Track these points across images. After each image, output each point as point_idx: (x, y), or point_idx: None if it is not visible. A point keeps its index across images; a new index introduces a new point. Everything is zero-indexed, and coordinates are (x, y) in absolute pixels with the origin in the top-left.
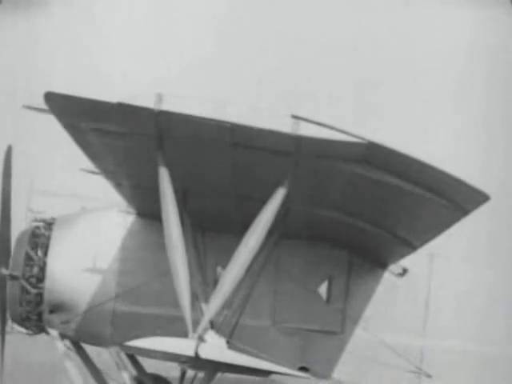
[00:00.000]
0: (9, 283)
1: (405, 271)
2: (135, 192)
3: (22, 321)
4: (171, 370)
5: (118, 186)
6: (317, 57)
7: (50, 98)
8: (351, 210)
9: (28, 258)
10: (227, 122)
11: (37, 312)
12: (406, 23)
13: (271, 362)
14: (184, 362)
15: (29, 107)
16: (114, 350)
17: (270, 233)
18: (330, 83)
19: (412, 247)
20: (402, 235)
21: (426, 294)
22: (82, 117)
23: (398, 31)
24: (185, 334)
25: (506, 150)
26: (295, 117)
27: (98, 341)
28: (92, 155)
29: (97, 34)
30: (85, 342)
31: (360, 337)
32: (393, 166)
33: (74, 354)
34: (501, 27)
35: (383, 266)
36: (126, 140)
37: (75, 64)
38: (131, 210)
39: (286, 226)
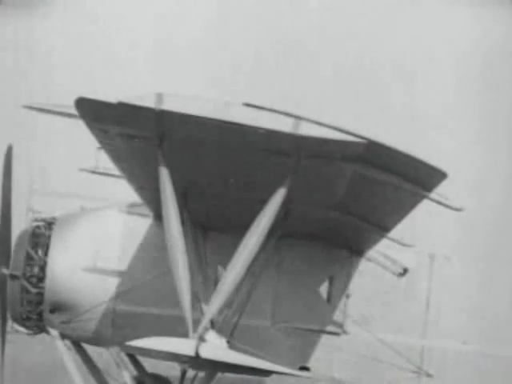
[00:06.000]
0: (9, 283)
1: (405, 271)
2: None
3: (23, 320)
4: (171, 370)
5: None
6: (318, 55)
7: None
8: (351, 209)
9: (28, 257)
10: (228, 122)
11: (37, 312)
12: (408, 22)
13: (271, 361)
14: (184, 362)
15: (29, 107)
16: (115, 349)
17: (271, 233)
18: (331, 82)
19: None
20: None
21: (426, 294)
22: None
23: (399, 30)
24: (185, 334)
25: (508, 149)
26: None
27: (98, 341)
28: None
29: (97, 34)
30: (85, 341)
31: (360, 337)
32: (392, 164)
33: (74, 354)
34: (502, 26)
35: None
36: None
37: (75, 64)
38: (131, 210)
39: (287, 225)
